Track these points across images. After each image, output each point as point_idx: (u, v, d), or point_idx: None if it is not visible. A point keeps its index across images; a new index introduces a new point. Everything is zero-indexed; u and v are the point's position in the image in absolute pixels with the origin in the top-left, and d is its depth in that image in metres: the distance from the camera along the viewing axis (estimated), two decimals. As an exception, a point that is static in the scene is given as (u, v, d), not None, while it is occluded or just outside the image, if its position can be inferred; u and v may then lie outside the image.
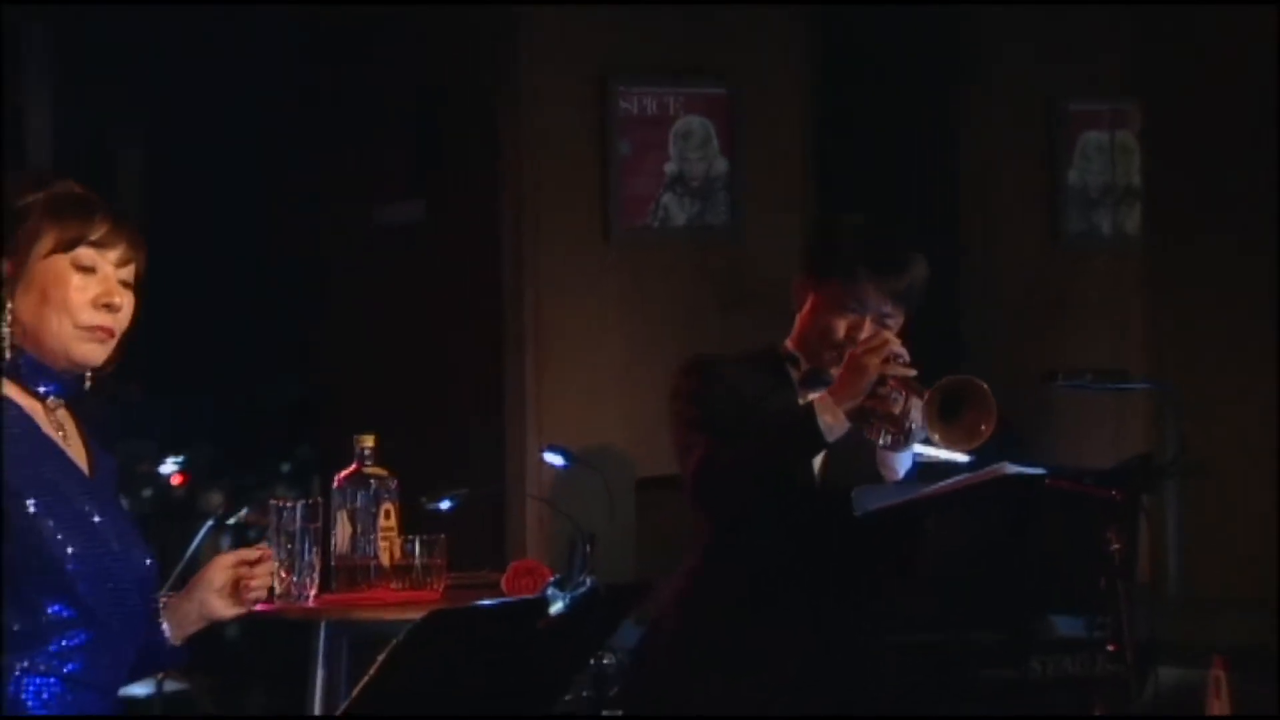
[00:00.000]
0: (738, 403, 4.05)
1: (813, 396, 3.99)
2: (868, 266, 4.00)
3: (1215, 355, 6.06)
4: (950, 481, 3.96)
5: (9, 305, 3.15)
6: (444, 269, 6.49)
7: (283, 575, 4.39)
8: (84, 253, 3.17)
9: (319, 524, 4.46)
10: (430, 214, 6.53)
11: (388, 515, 4.59)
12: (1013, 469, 3.92)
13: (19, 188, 3.21)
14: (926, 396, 3.87)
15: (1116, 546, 4.07)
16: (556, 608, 3.14)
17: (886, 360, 3.92)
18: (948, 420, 3.88)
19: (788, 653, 4.02)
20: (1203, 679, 4.75)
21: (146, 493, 7.91)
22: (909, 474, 4.05)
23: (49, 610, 3.09)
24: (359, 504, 4.58)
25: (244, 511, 6.00)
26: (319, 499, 4.52)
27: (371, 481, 4.60)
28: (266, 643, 6.88)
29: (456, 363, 6.47)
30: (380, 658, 3.00)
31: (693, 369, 4.16)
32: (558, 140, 6.38)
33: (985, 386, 3.90)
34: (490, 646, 3.18)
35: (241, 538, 7.71)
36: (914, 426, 3.93)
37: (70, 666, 3.11)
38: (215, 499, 7.69)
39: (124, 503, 3.24)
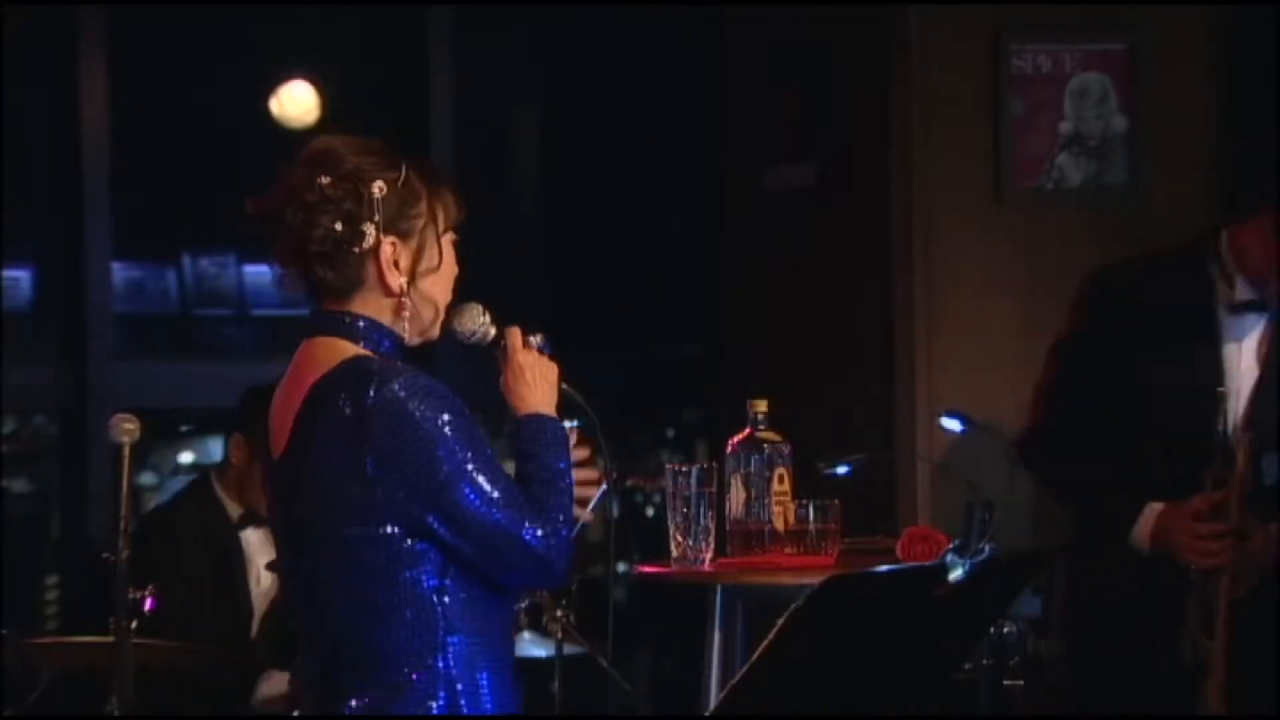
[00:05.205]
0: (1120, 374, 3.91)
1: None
2: None
3: None
4: None
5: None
6: (834, 233, 6.45)
7: (678, 539, 4.43)
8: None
9: (714, 488, 4.49)
10: (820, 179, 6.49)
11: (781, 480, 4.59)
12: None
13: (386, 165, 2.91)
14: None
15: None
16: (956, 574, 3.11)
17: None
18: None
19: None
20: None
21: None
22: None
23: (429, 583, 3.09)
24: (752, 469, 4.58)
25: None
26: (714, 463, 4.55)
27: (765, 446, 4.60)
28: (655, 606, 6.95)
29: (847, 327, 6.42)
30: (779, 622, 3.00)
31: (1087, 283, 4.02)
32: (949, 100, 6.27)
33: None
34: (889, 613, 3.15)
35: (629, 502, 7.80)
36: None
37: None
38: (603, 463, 7.77)
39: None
